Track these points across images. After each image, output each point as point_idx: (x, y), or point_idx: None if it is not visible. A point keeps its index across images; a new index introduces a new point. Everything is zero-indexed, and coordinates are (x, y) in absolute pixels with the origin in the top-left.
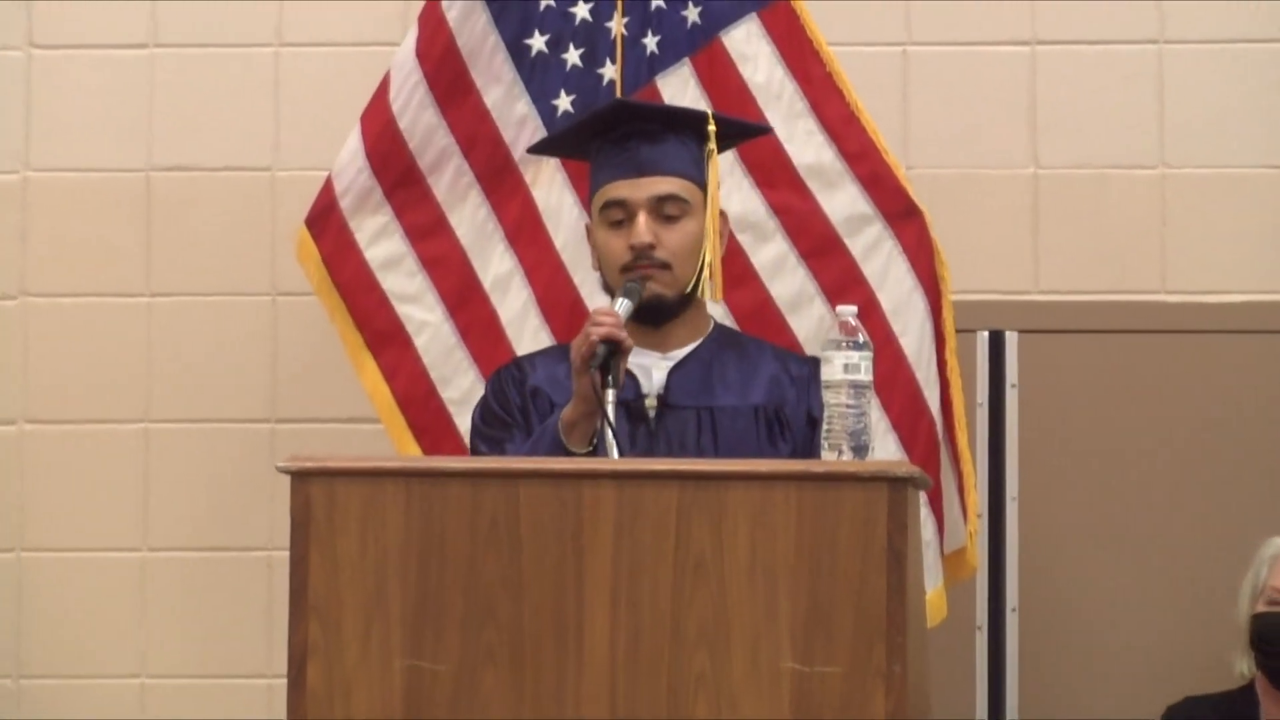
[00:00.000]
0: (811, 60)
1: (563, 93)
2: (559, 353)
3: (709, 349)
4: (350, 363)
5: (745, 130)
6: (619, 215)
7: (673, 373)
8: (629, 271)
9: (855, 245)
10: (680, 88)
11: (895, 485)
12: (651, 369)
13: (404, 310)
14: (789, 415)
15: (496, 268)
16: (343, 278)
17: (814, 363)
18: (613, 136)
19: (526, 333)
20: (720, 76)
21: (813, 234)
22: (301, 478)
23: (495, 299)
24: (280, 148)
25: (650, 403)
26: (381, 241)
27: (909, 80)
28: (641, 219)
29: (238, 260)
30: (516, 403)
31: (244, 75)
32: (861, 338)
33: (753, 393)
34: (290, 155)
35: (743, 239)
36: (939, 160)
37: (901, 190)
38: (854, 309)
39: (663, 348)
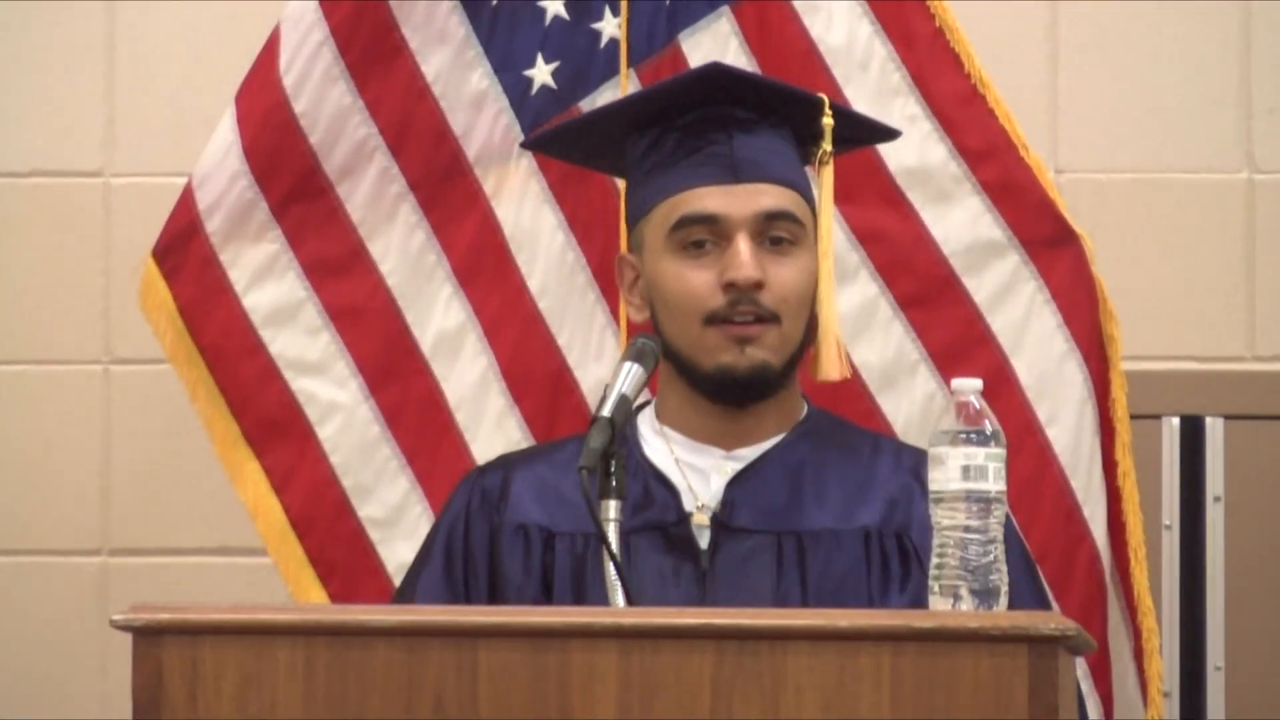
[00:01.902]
0: (914, 12)
1: (539, 58)
2: (563, 455)
3: (798, 446)
4: (221, 464)
5: (866, 131)
6: (701, 235)
7: (737, 480)
8: (721, 325)
9: (979, 288)
10: (716, 50)
11: (1040, 648)
12: (709, 474)
13: (301, 386)
14: (916, 543)
15: (441, 321)
16: (209, 337)
17: None
18: (682, 123)
19: (486, 417)
20: (777, 33)
21: (916, 271)
22: (149, 637)
23: (438, 368)
24: (116, 143)
25: (700, 520)
26: (268, 282)
27: (1060, 42)
28: (743, 244)
29: (52, 311)
30: (480, 549)
31: (62, 35)
32: (989, 427)
33: (862, 510)
34: (130, 153)
35: None
36: (1104, 160)
37: (1049, 205)
38: (978, 384)
39: (727, 441)
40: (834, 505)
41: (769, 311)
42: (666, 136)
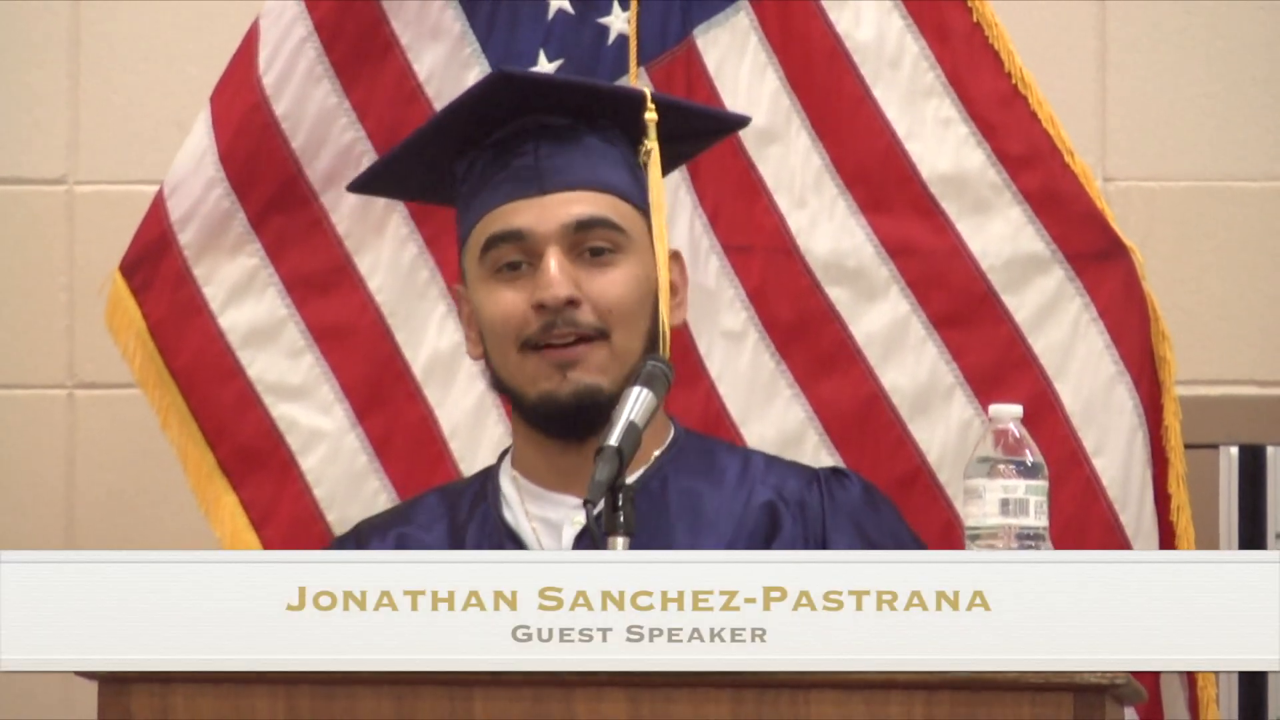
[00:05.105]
0: (950, 6)
1: (542, 55)
2: (421, 513)
3: (657, 481)
4: (195, 497)
5: (703, 122)
6: (513, 255)
7: (586, 534)
8: (539, 350)
9: (1020, 306)
10: (734, 48)
11: (1086, 697)
12: (561, 527)
13: (282, 412)
14: None
15: (434, 341)
16: (182, 360)
17: (825, 477)
18: (492, 140)
19: (483, 446)
20: (799, 29)
21: (951, 288)
22: (116, 685)
23: (431, 393)
24: (81, 147)
25: None
26: (246, 300)
27: (1108, 39)
28: (552, 259)
29: (10, 330)
30: None
31: (24, 31)
32: (1030, 457)
33: (725, 539)
34: (96, 159)
35: (837, 294)
36: (1156, 168)
37: (1096, 216)
38: (1018, 410)
39: (578, 485)
40: (703, 534)
41: (592, 328)
42: (480, 157)
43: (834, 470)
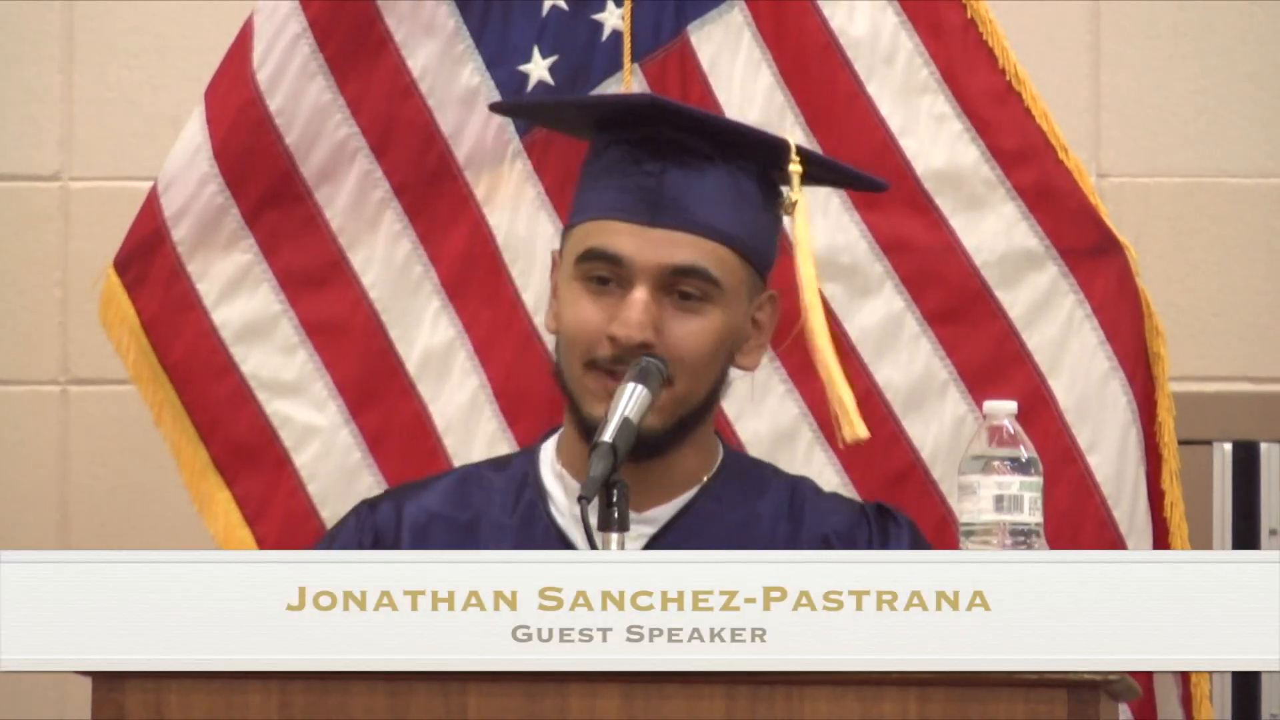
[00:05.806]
0: (944, 2)
1: (536, 52)
2: (442, 493)
3: (712, 502)
4: (188, 493)
5: (840, 179)
6: (605, 272)
7: (649, 549)
8: (597, 371)
9: (1014, 302)
10: (727, 43)
11: (1080, 694)
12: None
13: (276, 408)
14: None
15: (428, 337)
16: (175, 355)
17: (873, 514)
18: (628, 137)
19: (477, 442)
20: (794, 24)
21: (945, 283)
22: (110, 682)
23: (425, 388)
24: (75, 144)
25: None
26: (239, 295)
27: (1103, 35)
28: (639, 295)
29: (4, 326)
30: None
31: (17, 28)
32: (1025, 453)
33: None
34: (90, 155)
35: (832, 291)
36: (1150, 164)
37: (1090, 212)
38: (1013, 406)
39: (636, 502)
40: None
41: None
42: (613, 148)
43: (879, 507)
